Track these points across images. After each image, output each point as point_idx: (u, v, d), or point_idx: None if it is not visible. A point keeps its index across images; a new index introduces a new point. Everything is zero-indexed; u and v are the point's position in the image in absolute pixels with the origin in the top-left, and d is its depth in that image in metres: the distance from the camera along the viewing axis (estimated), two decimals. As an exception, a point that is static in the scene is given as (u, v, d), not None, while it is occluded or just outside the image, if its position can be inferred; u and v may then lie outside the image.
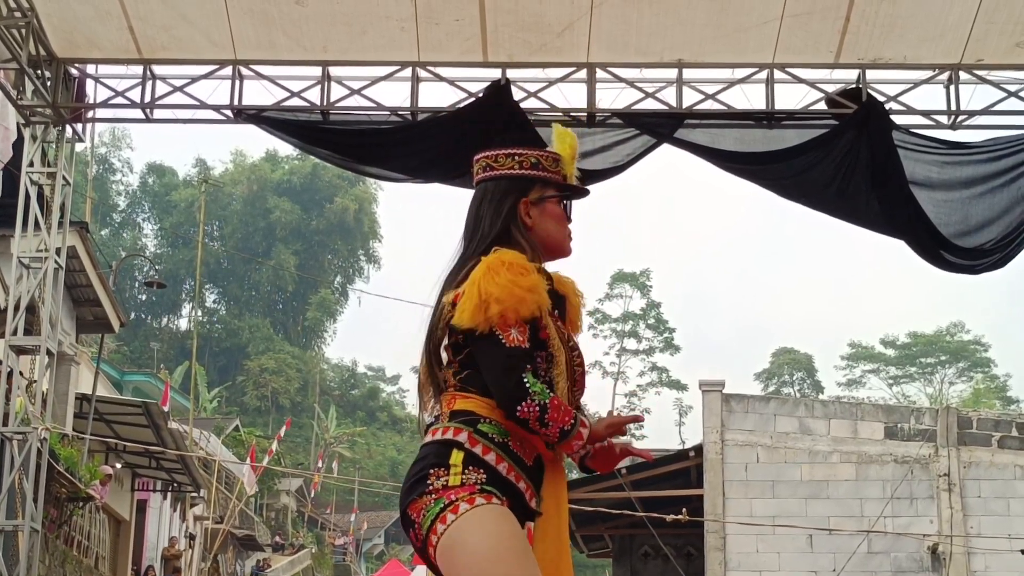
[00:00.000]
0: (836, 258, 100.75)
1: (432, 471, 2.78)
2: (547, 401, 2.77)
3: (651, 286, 63.99)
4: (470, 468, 2.77)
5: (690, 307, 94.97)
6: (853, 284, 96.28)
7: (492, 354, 2.83)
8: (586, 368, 3.07)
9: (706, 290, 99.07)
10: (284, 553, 42.27)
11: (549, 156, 3.12)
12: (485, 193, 3.08)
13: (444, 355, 2.97)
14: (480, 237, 3.02)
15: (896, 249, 9.25)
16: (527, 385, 2.77)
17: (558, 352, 2.95)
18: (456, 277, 2.98)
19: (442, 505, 2.72)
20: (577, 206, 3.22)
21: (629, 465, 17.54)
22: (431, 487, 2.76)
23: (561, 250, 3.12)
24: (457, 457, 2.78)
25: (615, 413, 3.00)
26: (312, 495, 50.16)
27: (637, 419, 2.94)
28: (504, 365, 2.80)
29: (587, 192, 3.23)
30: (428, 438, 2.89)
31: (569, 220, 3.14)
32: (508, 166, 3.08)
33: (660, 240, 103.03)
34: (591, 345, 60.01)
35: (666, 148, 9.38)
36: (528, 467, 2.86)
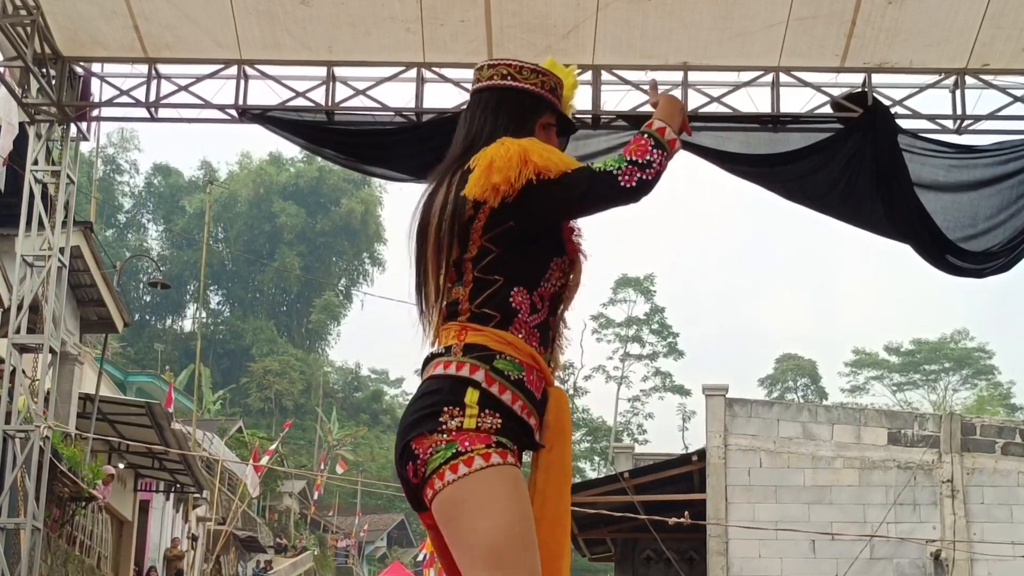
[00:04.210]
0: (837, 263, 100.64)
1: (446, 408, 2.61)
2: (623, 164, 2.72)
3: (655, 291, 63.84)
4: (486, 411, 2.61)
5: (694, 312, 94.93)
6: (855, 289, 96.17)
7: (555, 191, 2.72)
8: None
9: (710, 295, 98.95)
10: (286, 555, 42.24)
11: (563, 85, 3.03)
12: (503, 100, 2.93)
13: (455, 272, 2.79)
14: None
15: (902, 253, 9.24)
16: (608, 170, 2.72)
17: (574, 264, 2.89)
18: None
19: (454, 450, 2.57)
20: None
21: (632, 469, 17.53)
22: (444, 426, 2.60)
23: None
24: (473, 396, 2.63)
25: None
26: (315, 497, 50.12)
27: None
28: (575, 188, 2.72)
29: (577, 129, 3.19)
30: (438, 370, 2.71)
31: None
32: (532, 82, 2.95)
33: (663, 245, 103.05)
34: (594, 350, 59.96)
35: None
36: (537, 400, 2.74)
